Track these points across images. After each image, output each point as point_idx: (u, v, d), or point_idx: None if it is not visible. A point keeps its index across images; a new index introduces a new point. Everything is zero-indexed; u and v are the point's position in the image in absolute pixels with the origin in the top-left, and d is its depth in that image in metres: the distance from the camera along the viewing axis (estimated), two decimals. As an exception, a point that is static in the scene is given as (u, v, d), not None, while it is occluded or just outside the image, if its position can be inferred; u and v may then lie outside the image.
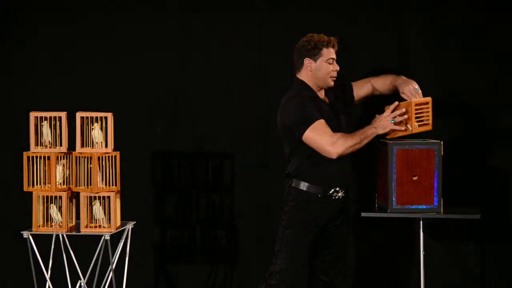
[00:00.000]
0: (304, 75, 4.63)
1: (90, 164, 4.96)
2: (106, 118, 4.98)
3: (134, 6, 5.84)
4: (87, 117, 4.98)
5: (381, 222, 5.52)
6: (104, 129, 4.99)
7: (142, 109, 5.83)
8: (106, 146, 5.00)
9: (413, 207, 4.79)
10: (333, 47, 4.60)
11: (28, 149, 5.04)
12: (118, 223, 5.11)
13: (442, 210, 4.79)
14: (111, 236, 4.97)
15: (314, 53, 4.58)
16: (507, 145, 5.52)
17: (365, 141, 4.52)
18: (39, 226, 5.01)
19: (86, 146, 5.01)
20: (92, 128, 4.98)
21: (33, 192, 5.01)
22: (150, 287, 5.90)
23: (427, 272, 5.08)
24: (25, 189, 5.04)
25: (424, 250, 4.93)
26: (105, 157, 4.98)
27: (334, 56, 4.61)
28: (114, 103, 5.62)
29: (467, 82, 5.56)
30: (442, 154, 4.78)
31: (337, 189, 4.61)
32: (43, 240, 5.18)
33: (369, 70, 5.66)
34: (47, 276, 5.12)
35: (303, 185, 4.58)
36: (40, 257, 5.05)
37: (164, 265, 5.91)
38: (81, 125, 4.97)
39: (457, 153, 5.49)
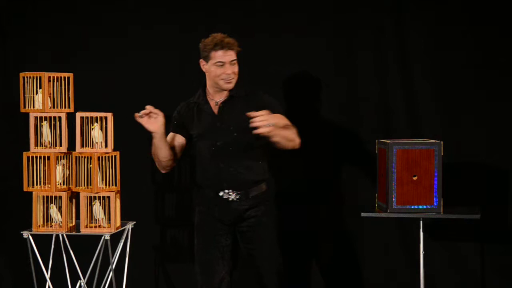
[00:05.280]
0: (206, 75, 4.69)
1: (90, 164, 4.96)
2: (106, 118, 4.98)
3: (134, 6, 5.85)
4: (87, 117, 4.98)
5: (381, 222, 5.53)
6: (104, 129, 4.99)
7: (142, 109, 5.82)
8: (106, 146, 5.00)
9: (413, 207, 4.80)
10: (222, 49, 4.54)
11: (28, 149, 5.04)
12: (118, 223, 5.11)
13: (442, 210, 4.79)
14: (111, 236, 4.97)
15: (205, 56, 4.59)
16: (507, 145, 5.52)
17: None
18: (39, 226, 5.01)
19: (86, 146, 5.01)
20: (92, 128, 4.98)
21: (33, 192, 5.01)
22: (150, 287, 5.90)
23: (427, 272, 5.08)
24: (25, 189, 5.04)
25: (424, 250, 4.93)
26: (105, 157, 4.99)
27: (223, 59, 4.54)
28: (114, 103, 5.62)
29: (467, 82, 5.56)
30: (442, 154, 4.78)
31: (229, 191, 4.63)
32: (43, 240, 5.18)
33: (370, 70, 5.67)
34: (47, 276, 5.12)
35: (197, 187, 4.81)
36: (40, 257, 5.05)
37: (164, 265, 5.91)
38: (81, 125, 4.97)
39: (457, 153, 5.49)
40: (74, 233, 5.04)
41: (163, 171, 4.71)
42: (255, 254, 4.66)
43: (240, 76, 4.66)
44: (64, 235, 5.13)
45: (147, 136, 5.85)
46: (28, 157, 5.01)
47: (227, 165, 4.60)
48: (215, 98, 4.67)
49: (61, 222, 5.00)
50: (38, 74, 4.99)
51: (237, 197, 4.60)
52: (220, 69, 4.55)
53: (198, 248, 4.76)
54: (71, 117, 5.07)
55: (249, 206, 4.62)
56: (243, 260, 4.78)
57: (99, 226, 5.03)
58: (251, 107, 4.47)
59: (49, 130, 5.02)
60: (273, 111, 4.41)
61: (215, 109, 4.66)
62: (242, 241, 4.70)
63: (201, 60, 4.63)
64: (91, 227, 5.03)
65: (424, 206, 4.79)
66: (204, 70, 4.64)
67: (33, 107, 5.01)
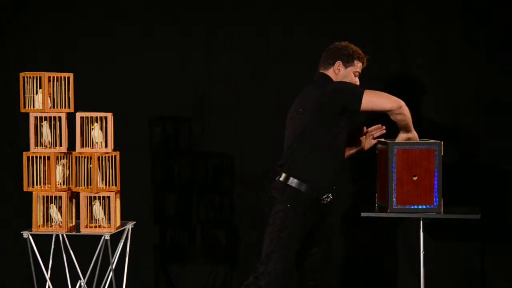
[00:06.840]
0: (329, 74, 4.67)
1: (90, 164, 4.96)
2: (106, 118, 4.98)
3: (133, 6, 5.85)
4: (87, 117, 4.98)
5: (381, 222, 5.53)
6: (104, 129, 4.99)
7: (142, 109, 5.83)
8: (106, 146, 5.00)
9: (413, 207, 4.79)
10: (363, 63, 4.68)
11: (28, 149, 5.04)
12: (118, 223, 5.11)
13: (442, 210, 4.79)
14: (111, 236, 4.97)
15: (348, 60, 4.64)
16: (507, 145, 5.52)
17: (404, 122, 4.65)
18: (39, 226, 5.01)
19: (86, 146, 5.01)
20: (92, 128, 4.98)
21: (33, 192, 5.01)
22: (150, 287, 5.90)
23: (427, 272, 5.08)
24: (25, 189, 5.04)
25: (424, 250, 4.93)
26: (105, 157, 4.99)
27: (359, 71, 4.69)
28: (114, 103, 5.62)
29: (467, 82, 5.56)
30: (442, 154, 4.78)
31: (329, 194, 4.60)
32: (43, 240, 5.18)
33: (369, 70, 5.67)
34: (47, 276, 5.12)
35: (302, 186, 4.52)
36: (40, 257, 5.05)
37: (164, 265, 5.91)
38: (81, 125, 4.97)
39: (457, 153, 5.49)
40: (74, 233, 5.04)
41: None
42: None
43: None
44: (64, 235, 5.13)
45: (147, 136, 5.87)
46: (28, 157, 5.00)
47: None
48: None
49: (61, 222, 5.00)
50: (38, 74, 4.99)
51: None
52: (354, 78, 4.67)
53: None
54: (71, 117, 5.07)
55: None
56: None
57: (99, 226, 5.03)
58: None
59: (49, 130, 5.02)
60: None
61: None
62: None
63: (339, 61, 4.63)
64: (91, 227, 5.03)
65: (424, 206, 4.79)
66: (335, 71, 4.65)
67: (33, 107, 5.01)
